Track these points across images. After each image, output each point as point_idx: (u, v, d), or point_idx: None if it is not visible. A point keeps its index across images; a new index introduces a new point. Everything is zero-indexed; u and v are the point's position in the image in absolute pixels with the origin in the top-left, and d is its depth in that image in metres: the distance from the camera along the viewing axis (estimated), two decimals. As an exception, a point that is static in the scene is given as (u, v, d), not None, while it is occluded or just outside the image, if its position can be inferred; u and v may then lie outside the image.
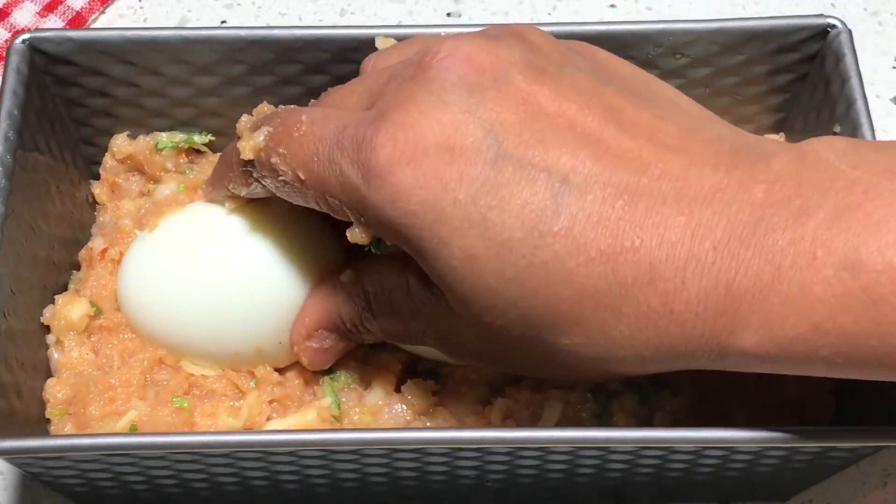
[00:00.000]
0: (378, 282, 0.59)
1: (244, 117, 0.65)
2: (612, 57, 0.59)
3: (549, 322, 0.52)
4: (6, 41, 0.89)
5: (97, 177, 0.73)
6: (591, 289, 0.51)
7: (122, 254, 0.68)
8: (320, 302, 0.63)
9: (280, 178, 0.57)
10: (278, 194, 0.59)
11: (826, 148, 0.52)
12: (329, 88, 0.62)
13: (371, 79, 0.59)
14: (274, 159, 0.57)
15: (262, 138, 0.58)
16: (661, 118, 0.54)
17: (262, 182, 0.59)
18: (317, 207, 0.57)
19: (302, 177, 0.56)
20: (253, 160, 0.59)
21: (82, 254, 0.70)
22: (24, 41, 0.66)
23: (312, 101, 0.64)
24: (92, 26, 0.91)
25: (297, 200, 0.58)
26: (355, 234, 0.56)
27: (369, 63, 0.63)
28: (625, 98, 0.55)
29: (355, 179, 0.53)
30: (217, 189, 0.65)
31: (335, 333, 0.63)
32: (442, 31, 0.66)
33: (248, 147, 0.58)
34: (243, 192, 0.62)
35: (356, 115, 0.55)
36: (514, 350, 0.55)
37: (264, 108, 0.68)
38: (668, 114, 0.55)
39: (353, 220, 0.55)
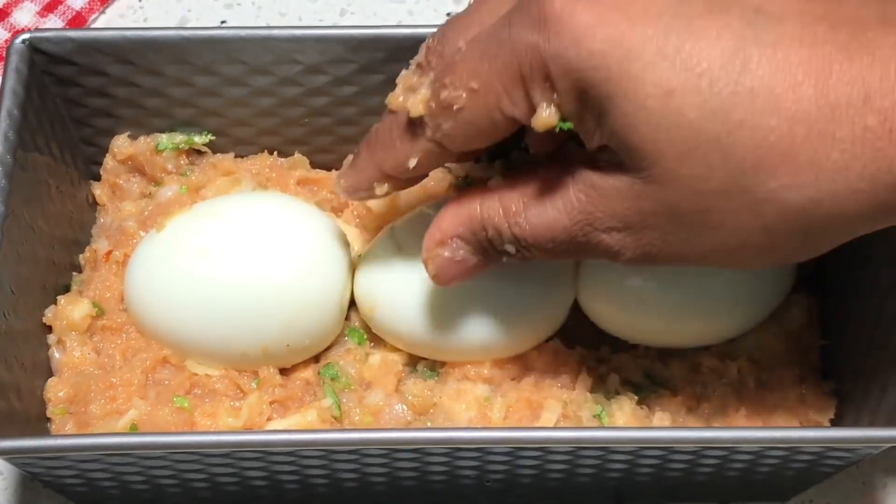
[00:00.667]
0: (535, 182, 0.55)
1: (395, 90, 0.58)
2: None
3: (755, 161, 0.48)
4: (6, 41, 0.89)
5: (97, 177, 0.74)
6: (802, 114, 0.47)
7: (126, 256, 0.69)
8: (464, 206, 0.58)
9: (455, 108, 0.53)
10: (452, 146, 0.56)
11: None
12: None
13: None
14: (444, 94, 0.54)
15: (426, 88, 0.55)
16: None
17: (437, 135, 0.55)
18: (491, 132, 0.54)
19: (475, 86, 0.53)
20: (423, 117, 0.55)
21: (85, 255, 0.71)
22: (24, 41, 0.66)
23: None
24: (92, 26, 0.91)
25: (472, 137, 0.55)
26: (541, 116, 0.51)
27: None
28: None
29: (532, 38, 0.50)
30: (365, 176, 0.61)
31: (472, 245, 0.58)
32: (430, 25, 0.66)
33: (416, 102, 0.55)
34: (411, 164, 0.57)
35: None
36: (709, 216, 0.50)
37: (408, 77, 0.59)
38: None
39: (538, 97, 0.51)
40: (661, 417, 0.63)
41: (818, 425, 0.63)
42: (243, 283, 0.63)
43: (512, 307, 0.64)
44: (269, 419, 0.64)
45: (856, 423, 0.59)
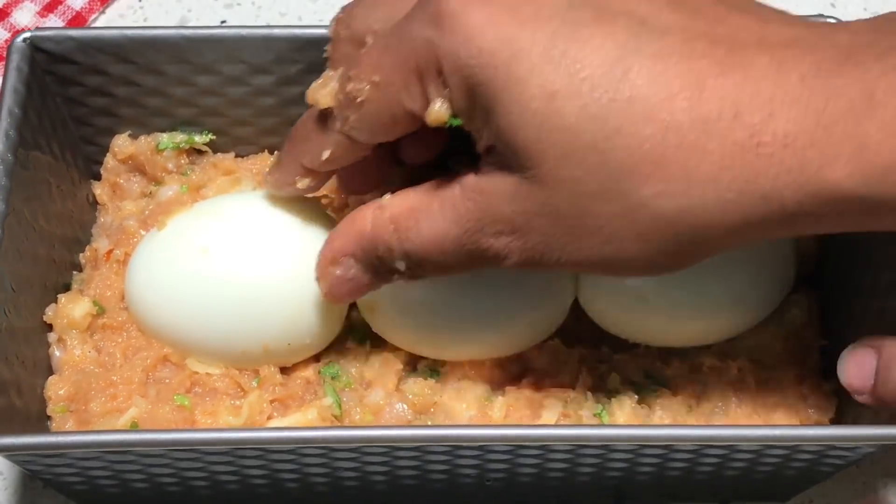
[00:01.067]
0: (421, 195, 0.56)
1: (315, 83, 0.60)
2: None
3: (629, 167, 0.49)
4: (6, 41, 0.89)
5: (97, 176, 0.74)
6: (675, 125, 0.49)
7: (127, 255, 0.69)
8: (354, 224, 0.59)
9: (359, 100, 0.55)
10: (360, 137, 0.57)
11: None
12: None
13: None
14: (349, 86, 0.55)
15: (335, 81, 0.57)
16: None
17: (346, 127, 0.56)
18: (393, 126, 0.55)
19: (376, 79, 0.54)
20: (332, 110, 0.57)
21: (86, 254, 0.71)
22: (24, 40, 0.66)
23: None
24: (92, 26, 0.91)
25: (376, 131, 0.56)
26: (433, 111, 0.53)
27: None
28: None
29: (428, 34, 0.51)
30: (287, 170, 0.62)
31: (363, 263, 0.59)
32: None
33: (324, 94, 0.57)
34: (324, 156, 0.59)
35: None
36: (586, 219, 0.51)
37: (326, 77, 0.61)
38: None
39: (431, 93, 0.53)
40: (661, 417, 0.63)
41: (819, 424, 0.63)
42: (244, 282, 0.63)
43: (512, 306, 0.64)
44: (269, 418, 0.64)
45: (856, 423, 0.59)
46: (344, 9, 0.60)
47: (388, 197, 0.57)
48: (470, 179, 0.54)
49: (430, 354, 0.66)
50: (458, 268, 0.56)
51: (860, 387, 0.58)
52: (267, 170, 0.64)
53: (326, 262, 0.60)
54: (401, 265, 0.57)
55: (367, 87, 0.54)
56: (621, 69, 0.49)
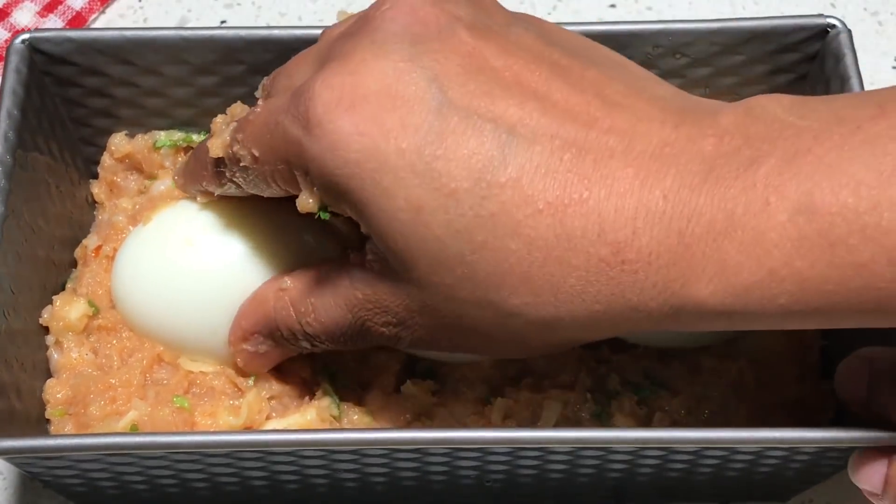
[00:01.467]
0: (312, 281, 0.59)
1: (219, 117, 0.65)
2: (558, 26, 0.59)
3: (498, 279, 0.51)
4: (6, 41, 0.89)
5: (97, 177, 0.73)
6: (540, 241, 0.50)
7: (115, 250, 0.68)
8: (258, 306, 0.61)
9: (242, 164, 0.57)
10: (249, 189, 0.59)
11: (772, 102, 0.51)
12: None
13: (322, 42, 0.59)
14: (235, 147, 0.57)
15: (227, 135, 0.57)
16: (608, 76, 0.54)
17: (234, 180, 0.59)
18: (277, 191, 0.57)
19: (256, 154, 0.55)
20: (223, 158, 0.58)
21: (78, 252, 0.71)
22: (23, 41, 0.66)
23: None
24: (92, 26, 0.91)
25: (263, 190, 0.58)
26: (303, 201, 0.54)
27: (325, 32, 0.61)
28: (571, 58, 0.54)
29: (297, 133, 0.52)
30: (190, 184, 0.64)
31: (271, 339, 0.62)
32: None
33: (216, 144, 0.58)
34: (217, 191, 0.62)
35: (304, 78, 0.55)
36: (463, 320, 0.53)
37: (238, 108, 0.68)
38: (616, 73, 0.55)
39: (301, 185, 0.54)
40: (660, 418, 0.63)
41: (818, 425, 0.63)
42: (228, 275, 0.63)
43: None
44: (268, 417, 0.64)
45: (856, 424, 0.59)
46: (279, 68, 0.62)
47: (286, 280, 0.60)
48: (357, 273, 0.56)
49: (428, 355, 0.66)
50: (358, 346, 0.59)
51: (854, 399, 0.59)
52: (177, 168, 0.66)
53: (237, 340, 0.63)
54: (305, 344, 0.60)
55: (248, 156, 0.56)
56: (486, 184, 0.50)
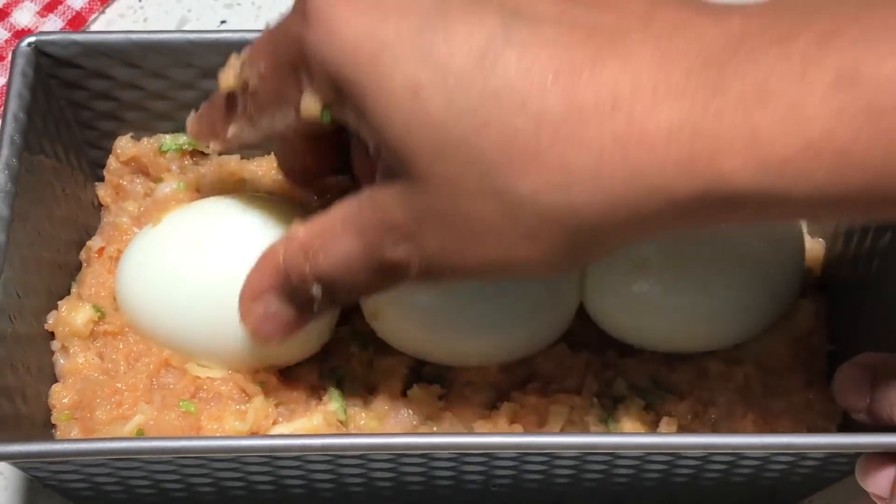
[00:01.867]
0: (327, 216, 0.55)
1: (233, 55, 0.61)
2: None
3: (503, 161, 0.47)
4: (6, 41, 0.89)
5: (103, 179, 0.73)
6: (548, 116, 0.46)
7: (119, 251, 0.68)
8: (268, 259, 0.58)
9: (251, 89, 0.56)
10: (259, 124, 0.57)
11: None
12: None
13: None
14: (245, 72, 0.56)
15: (239, 63, 0.56)
16: None
17: (245, 113, 0.58)
18: (284, 115, 0.55)
19: (262, 68, 0.54)
20: (234, 93, 0.57)
21: (82, 254, 0.70)
22: (29, 44, 0.66)
23: None
24: (92, 26, 0.91)
25: (273, 118, 0.56)
26: (306, 104, 0.53)
27: None
28: None
29: (297, 29, 0.51)
30: (204, 129, 0.63)
31: (283, 297, 0.58)
32: None
33: (227, 75, 0.57)
34: (230, 134, 0.60)
35: None
36: (471, 221, 0.49)
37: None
38: None
39: (303, 85, 0.53)
40: (667, 423, 0.63)
41: (825, 431, 0.64)
42: (238, 277, 0.63)
43: (517, 311, 0.64)
44: (274, 422, 0.64)
45: (863, 430, 0.59)
46: None
47: (297, 225, 0.57)
48: (366, 191, 0.53)
49: (434, 359, 0.66)
50: (369, 287, 0.55)
51: (856, 405, 0.58)
52: (190, 117, 0.64)
53: (246, 300, 0.60)
54: (317, 291, 0.56)
55: (256, 75, 0.55)
56: (490, 60, 0.47)
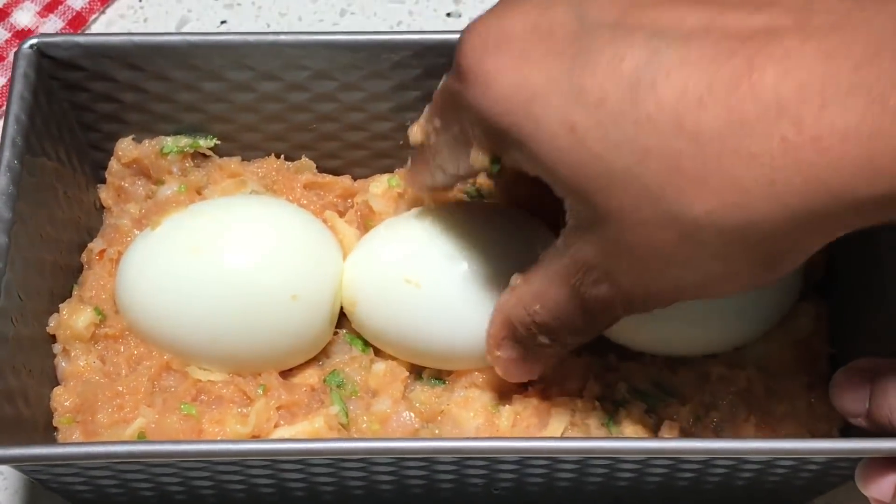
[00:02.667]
0: (536, 266, 0.56)
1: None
2: None
3: (672, 186, 0.46)
4: (6, 41, 0.88)
5: (104, 181, 0.73)
6: (708, 134, 0.45)
7: (121, 254, 0.68)
8: (499, 310, 0.60)
9: (432, 143, 0.58)
10: (449, 170, 0.59)
11: None
12: None
13: None
14: (427, 127, 0.58)
15: (422, 118, 0.58)
16: None
17: (434, 162, 0.59)
18: (465, 163, 0.56)
19: (437, 123, 0.56)
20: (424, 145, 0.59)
21: (84, 256, 0.70)
22: (31, 46, 0.66)
23: None
24: (92, 27, 0.90)
25: (457, 164, 0.58)
26: (475, 158, 0.55)
27: None
28: None
29: (455, 87, 0.52)
30: (415, 184, 0.65)
31: (520, 344, 0.59)
32: (438, 31, 0.68)
33: (413, 131, 0.59)
34: (432, 182, 0.62)
35: None
36: (659, 252, 0.49)
37: None
38: None
39: (471, 139, 0.54)
40: (669, 426, 0.63)
41: (827, 435, 0.63)
42: (236, 282, 0.64)
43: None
44: (276, 426, 0.64)
45: (865, 434, 0.59)
46: None
47: (515, 277, 0.58)
48: (560, 239, 0.54)
49: (404, 357, 0.67)
50: (589, 328, 0.57)
51: (854, 410, 0.58)
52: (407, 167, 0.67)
53: (492, 347, 0.61)
54: (545, 339, 0.58)
55: (433, 131, 0.56)
56: (642, 87, 0.46)
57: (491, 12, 0.52)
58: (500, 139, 0.51)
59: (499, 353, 0.61)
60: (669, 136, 0.46)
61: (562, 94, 0.48)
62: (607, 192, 0.48)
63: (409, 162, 0.65)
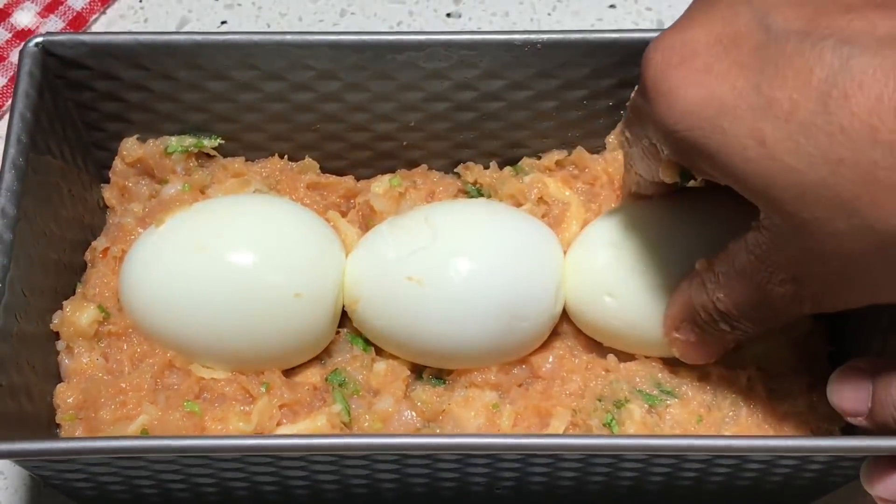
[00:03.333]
0: (723, 255, 0.56)
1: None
2: None
3: (868, 198, 0.46)
4: (7, 41, 0.89)
5: (108, 180, 0.73)
6: None
7: (124, 251, 0.68)
8: (680, 294, 0.60)
9: (625, 149, 0.59)
10: (646, 177, 0.60)
11: None
12: None
13: None
14: (621, 136, 0.58)
15: (618, 128, 0.60)
16: None
17: (630, 168, 0.61)
18: (657, 171, 0.57)
19: (628, 135, 0.57)
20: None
21: (87, 254, 0.71)
22: (37, 44, 0.66)
23: None
24: (92, 27, 0.90)
25: (651, 173, 0.58)
26: (663, 171, 0.56)
27: None
28: None
29: (640, 103, 0.53)
30: (624, 190, 0.66)
31: (698, 328, 0.60)
32: (443, 32, 0.68)
33: (612, 139, 0.64)
34: (634, 187, 0.63)
35: None
36: (852, 260, 0.48)
37: None
38: None
39: (659, 152, 0.54)
40: (671, 426, 0.63)
41: (829, 434, 0.64)
42: (239, 280, 0.64)
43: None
44: (278, 424, 0.64)
45: (867, 432, 0.59)
46: None
47: (699, 263, 0.58)
48: (749, 236, 0.53)
49: (402, 355, 0.67)
50: (770, 321, 0.57)
51: (856, 410, 0.57)
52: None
53: (670, 329, 0.62)
54: (725, 326, 0.58)
55: (625, 141, 0.57)
56: (833, 97, 0.46)
57: (674, 26, 0.52)
58: (687, 153, 0.51)
59: (677, 335, 0.61)
60: (864, 147, 0.45)
61: (750, 106, 0.48)
62: (800, 203, 0.48)
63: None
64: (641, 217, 0.64)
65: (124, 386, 0.64)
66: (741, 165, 0.49)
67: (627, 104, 0.57)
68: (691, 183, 0.59)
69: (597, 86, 0.69)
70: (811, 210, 0.48)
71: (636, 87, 0.54)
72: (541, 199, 0.70)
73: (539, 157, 0.72)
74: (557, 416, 0.64)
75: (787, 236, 0.50)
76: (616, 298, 0.64)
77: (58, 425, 0.65)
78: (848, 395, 0.58)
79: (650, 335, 0.64)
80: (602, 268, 0.64)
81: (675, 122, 0.50)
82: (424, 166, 0.73)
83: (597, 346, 0.68)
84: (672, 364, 0.66)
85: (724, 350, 0.62)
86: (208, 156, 0.73)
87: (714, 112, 0.49)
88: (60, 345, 0.66)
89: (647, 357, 0.66)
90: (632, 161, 0.59)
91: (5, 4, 0.90)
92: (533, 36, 0.67)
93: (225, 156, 0.73)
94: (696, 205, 0.64)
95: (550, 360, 0.67)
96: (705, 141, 0.50)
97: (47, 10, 0.90)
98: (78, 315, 0.66)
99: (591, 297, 0.65)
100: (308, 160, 0.73)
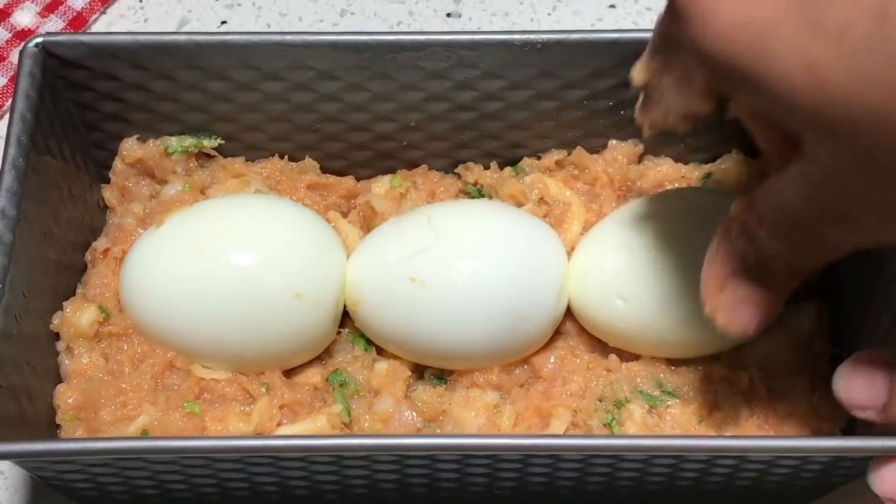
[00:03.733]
0: (762, 190, 0.52)
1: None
2: None
3: None
4: (6, 41, 0.88)
5: (108, 181, 0.73)
6: None
7: (124, 252, 0.69)
8: (717, 248, 0.55)
9: (653, 84, 0.54)
10: (674, 109, 0.55)
11: None
12: None
13: None
14: (648, 66, 0.54)
15: (643, 60, 0.55)
16: None
17: (654, 98, 0.56)
18: (689, 102, 0.53)
19: (657, 67, 0.53)
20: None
21: (87, 255, 0.71)
22: (37, 45, 0.66)
23: None
24: (92, 27, 0.90)
25: (681, 106, 0.54)
26: (699, 105, 0.52)
27: None
28: None
29: (675, 28, 0.49)
30: (644, 119, 0.59)
31: (744, 278, 0.55)
32: (443, 32, 0.68)
33: (636, 70, 0.56)
34: (658, 118, 0.57)
35: None
36: None
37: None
38: None
39: (694, 81, 0.51)
40: (671, 427, 0.63)
41: (830, 434, 0.64)
42: (240, 281, 0.64)
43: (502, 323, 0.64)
44: (279, 424, 0.64)
45: (868, 433, 0.59)
46: None
47: (737, 205, 0.54)
48: (795, 168, 0.49)
49: (403, 355, 0.67)
50: (819, 258, 0.53)
51: (869, 403, 0.56)
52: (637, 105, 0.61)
53: (712, 292, 0.56)
54: (778, 265, 0.54)
55: (654, 71, 0.54)
56: (889, 16, 0.42)
57: None
58: (726, 81, 0.48)
59: (724, 297, 0.55)
60: None
61: (795, 27, 0.44)
62: (852, 133, 0.44)
63: (639, 99, 0.60)
64: (651, 219, 0.64)
65: (124, 386, 0.64)
66: (788, 92, 0.45)
67: (654, 28, 0.53)
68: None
69: (597, 86, 0.69)
70: (867, 137, 0.44)
71: (664, 9, 0.51)
72: (541, 200, 0.70)
73: (539, 158, 0.72)
74: (558, 416, 0.64)
75: (838, 170, 0.46)
76: (627, 302, 0.64)
77: (58, 426, 0.65)
78: (860, 388, 0.56)
79: (659, 337, 0.64)
80: (613, 271, 0.64)
81: (711, 45, 0.47)
82: (425, 167, 0.73)
83: (599, 345, 0.68)
84: (674, 364, 0.66)
85: (778, 302, 0.56)
86: (208, 156, 0.73)
87: (756, 34, 0.45)
88: (60, 345, 0.66)
89: (652, 357, 0.66)
90: (660, 94, 0.55)
91: (5, 4, 0.90)
92: (533, 36, 0.67)
93: (225, 156, 0.73)
94: (707, 206, 0.64)
95: (552, 360, 0.67)
96: (746, 66, 0.46)
97: (47, 10, 0.90)
98: (78, 316, 0.66)
99: (600, 300, 0.65)
100: (308, 160, 0.73)
